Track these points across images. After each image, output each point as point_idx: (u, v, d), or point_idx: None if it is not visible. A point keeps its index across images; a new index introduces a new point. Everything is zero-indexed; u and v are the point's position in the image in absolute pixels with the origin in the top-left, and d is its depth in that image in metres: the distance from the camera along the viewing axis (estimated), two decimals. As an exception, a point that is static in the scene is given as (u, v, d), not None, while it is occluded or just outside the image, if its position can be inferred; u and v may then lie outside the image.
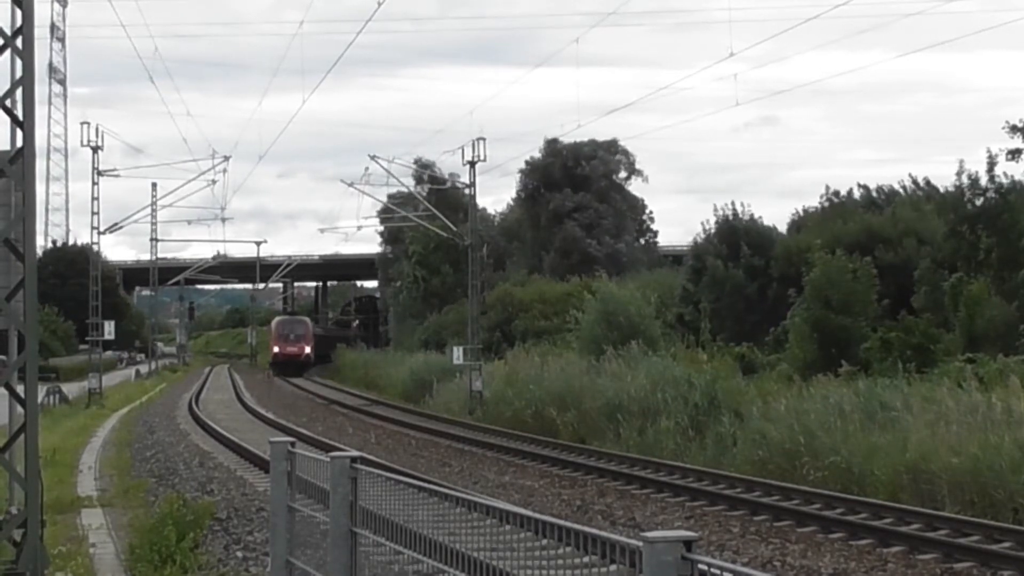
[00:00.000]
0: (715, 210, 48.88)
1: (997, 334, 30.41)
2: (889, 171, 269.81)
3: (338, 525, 6.55)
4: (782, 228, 50.11)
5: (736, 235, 46.25)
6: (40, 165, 27.12)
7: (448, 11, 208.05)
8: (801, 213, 51.69)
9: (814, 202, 60.20)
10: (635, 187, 76.82)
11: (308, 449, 9.54)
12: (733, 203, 52.07)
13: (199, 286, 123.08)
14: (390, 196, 61.15)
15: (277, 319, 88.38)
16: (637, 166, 76.17)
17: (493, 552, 5.06)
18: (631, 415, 26.59)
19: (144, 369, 71.40)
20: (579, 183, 70.94)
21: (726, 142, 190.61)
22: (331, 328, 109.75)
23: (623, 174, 75.62)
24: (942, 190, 42.40)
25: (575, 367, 33.13)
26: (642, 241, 76.59)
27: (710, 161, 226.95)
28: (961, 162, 38.88)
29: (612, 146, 73.70)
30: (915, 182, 48.28)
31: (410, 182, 62.09)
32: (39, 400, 11.24)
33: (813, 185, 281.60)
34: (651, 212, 78.44)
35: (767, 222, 49.39)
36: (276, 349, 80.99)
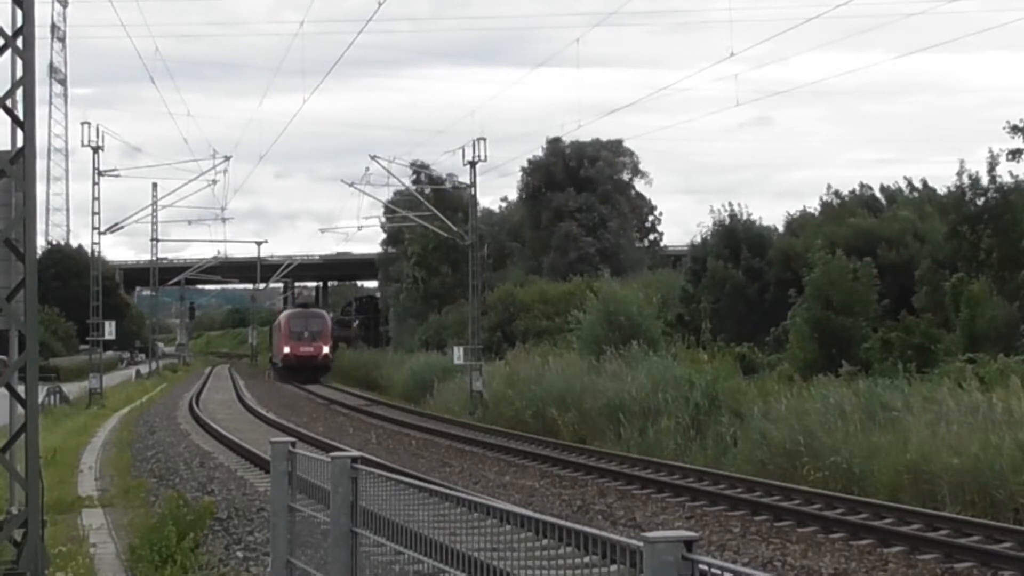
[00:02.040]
0: (711, 211, 49.05)
1: (998, 334, 30.40)
2: (888, 171, 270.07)
3: (338, 525, 6.56)
4: (780, 229, 50.20)
5: (735, 236, 46.28)
6: (40, 165, 27.08)
7: (443, 11, 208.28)
8: (798, 214, 51.76)
9: (812, 203, 60.25)
10: (639, 188, 77.03)
11: (309, 449, 9.54)
12: (731, 204, 52.17)
13: (199, 286, 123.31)
14: (397, 192, 60.80)
15: (287, 312, 74.04)
16: (641, 168, 76.37)
17: (493, 552, 5.06)
18: (632, 415, 26.58)
19: (144, 369, 71.39)
20: (582, 183, 70.94)
21: (725, 143, 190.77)
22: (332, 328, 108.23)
23: (627, 175, 75.73)
24: (940, 191, 42.49)
25: (576, 367, 33.11)
26: (646, 242, 76.64)
27: (709, 161, 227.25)
28: (962, 162, 38.93)
29: (616, 146, 73.73)
30: (910, 184, 48.31)
31: (410, 184, 62.07)
32: (39, 400, 11.24)
33: (812, 186, 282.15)
34: (660, 213, 78.69)
35: (765, 223, 49.56)
36: (286, 350, 66.63)
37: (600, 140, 72.48)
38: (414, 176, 66.52)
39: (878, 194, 49.67)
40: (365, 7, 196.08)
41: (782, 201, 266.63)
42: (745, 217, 47.94)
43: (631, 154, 75.02)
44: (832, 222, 43.92)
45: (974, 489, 16.33)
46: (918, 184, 47.81)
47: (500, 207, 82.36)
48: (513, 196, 79.97)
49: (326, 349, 67.55)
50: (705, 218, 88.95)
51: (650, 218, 78.12)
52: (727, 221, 47.61)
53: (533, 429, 30.71)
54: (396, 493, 6.15)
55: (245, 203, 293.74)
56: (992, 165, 34.47)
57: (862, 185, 50.44)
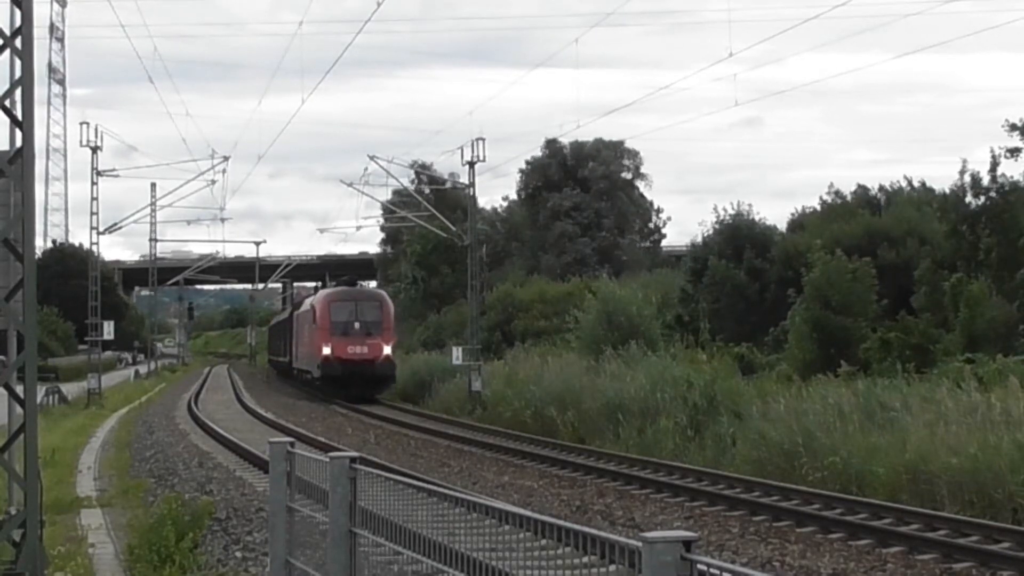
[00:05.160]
0: (715, 210, 49.09)
1: (997, 334, 30.41)
2: (886, 172, 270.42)
3: (337, 525, 6.55)
4: (779, 229, 50.19)
5: (738, 235, 46.25)
6: (39, 165, 27.11)
7: (440, 12, 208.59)
8: (799, 213, 51.81)
9: (810, 203, 60.27)
10: (641, 189, 77.09)
11: (307, 449, 9.54)
12: (738, 203, 52.32)
13: (198, 286, 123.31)
14: (395, 192, 60.60)
15: (326, 294, 49.75)
16: (642, 169, 76.45)
17: (492, 552, 5.06)
18: (630, 415, 26.57)
19: (143, 369, 71.36)
20: (580, 182, 71.05)
21: (722, 143, 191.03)
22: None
23: (628, 176, 75.78)
24: (938, 191, 42.53)
25: (575, 367, 33.10)
26: (647, 242, 76.69)
27: (705, 162, 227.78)
28: (964, 161, 39.00)
29: (618, 147, 73.83)
30: (910, 183, 48.34)
31: (408, 184, 62.18)
32: (38, 400, 11.23)
33: (809, 186, 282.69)
34: (668, 217, 78.89)
35: (767, 223, 49.48)
36: (327, 350, 45.08)
37: (602, 140, 72.65)
38: (413, 176, 66.67)
39: (878, 193, 49.69)
40: (363, 7, 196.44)
41: (779, 202, 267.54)
42: (750, 216, 47.95)
43: (634, 155, 75.15)
44: (832, 222, 43.89)
45: (973, 489, 16.32)
46: (917, 184, 47.87)
47: (500, 207, 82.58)
48: (512, 196, 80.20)
49: (388, 348, 45.65)
50: (702, 217, 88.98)
51: (654, 219, 78.19)
52: (730, 220, 47.59)
53: (532, 429, 30.69)
54: (395, 493, 6.14)
55: (242, 203, 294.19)
56: (994, 165, 34.51)
57: (859, 186, 50.52)
